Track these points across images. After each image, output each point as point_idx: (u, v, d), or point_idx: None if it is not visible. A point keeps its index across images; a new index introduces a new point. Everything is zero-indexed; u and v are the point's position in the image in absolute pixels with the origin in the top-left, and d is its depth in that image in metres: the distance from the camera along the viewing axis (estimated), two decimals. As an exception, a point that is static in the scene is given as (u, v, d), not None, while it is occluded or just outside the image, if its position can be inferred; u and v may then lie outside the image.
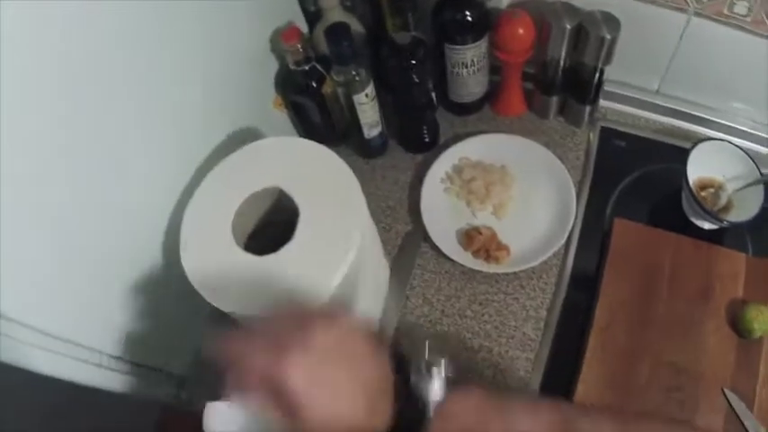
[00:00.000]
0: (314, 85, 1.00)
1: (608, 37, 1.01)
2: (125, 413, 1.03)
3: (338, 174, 0.82)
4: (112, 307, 0.81)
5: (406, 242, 1.08)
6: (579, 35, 1.04)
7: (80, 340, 0.75)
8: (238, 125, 0.96)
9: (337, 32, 0.94)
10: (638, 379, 0.99)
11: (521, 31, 1.05)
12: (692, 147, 1.08)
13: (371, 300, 0.96)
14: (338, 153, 1.00)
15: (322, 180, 0.81)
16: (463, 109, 1.17)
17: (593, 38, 1.02)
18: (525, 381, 1.00)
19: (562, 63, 1.08)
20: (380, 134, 1.09)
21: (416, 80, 1.02)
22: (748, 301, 1.04)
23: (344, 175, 0.82)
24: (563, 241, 1.05)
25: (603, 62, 1.06)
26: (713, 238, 1.12)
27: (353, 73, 0.98)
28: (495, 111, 1.19)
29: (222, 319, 0.78)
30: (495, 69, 1.14)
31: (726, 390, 1.00)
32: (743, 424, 0.99)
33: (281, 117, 1.09)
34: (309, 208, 0.78)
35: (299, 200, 0.79)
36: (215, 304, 0.75)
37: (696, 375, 1.01)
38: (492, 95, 1.18)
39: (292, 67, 0.98)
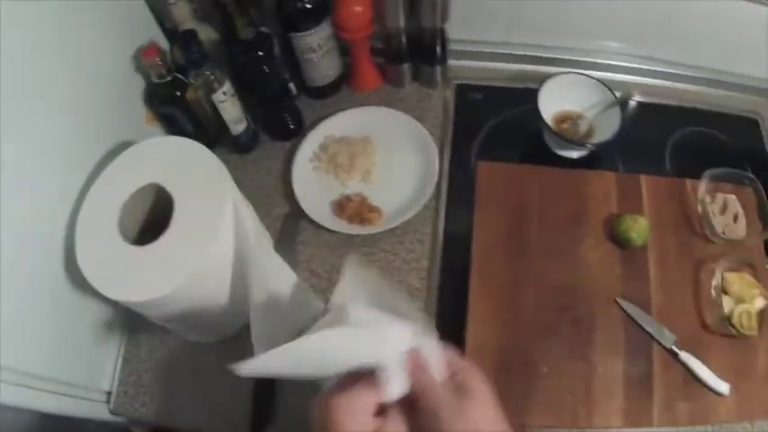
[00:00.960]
0: (178, 93, 1.04)
1: (439, -4, 1.05)
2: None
3: (206, 163, 0.89)
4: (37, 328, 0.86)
5: (285, 223, 1.11)
6: (413, 1, 1.10)
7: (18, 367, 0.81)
8: (116, 147, 0.97)
9: (186, 40, 0.99)
10: (525, 306, 1.04)
11: (358, 8, 1.10)
12: (541, 85, 1.14)
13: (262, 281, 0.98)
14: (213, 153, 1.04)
15: (193, 171, 0.88)
16: (322, 92, 1.22)
17: (426, 1, 1.08)
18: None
19: (403, 31, 1.14)
20: (247, 129, 1.13)
21: (267, 70, 1.07)
22: (622, 214, 1.09)
23: (211, 163, 0.89)
24: (430, 193, 1.10)
25: (441, 21, 1.12)
26: (585, 165, 1.18)
27: (208, 73, 1.02)
28: (352, 88, 1.24)
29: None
30: (345, 50, 1.19)
31: (619, 299, 1.05)
32: (644, 329, 1.03)
33: (156, 131, 1.12)
34: (183, 197, 0.85)
35: (173, 192, 0.85)
36: (113, 298, 0.80)
37: (585, 292, 1.05)
38: (347, 75, 1.23)
39: (156, 80, 1.02)
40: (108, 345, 1.03)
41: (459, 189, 1.14)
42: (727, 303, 1.06)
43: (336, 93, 1.24)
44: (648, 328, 1.04)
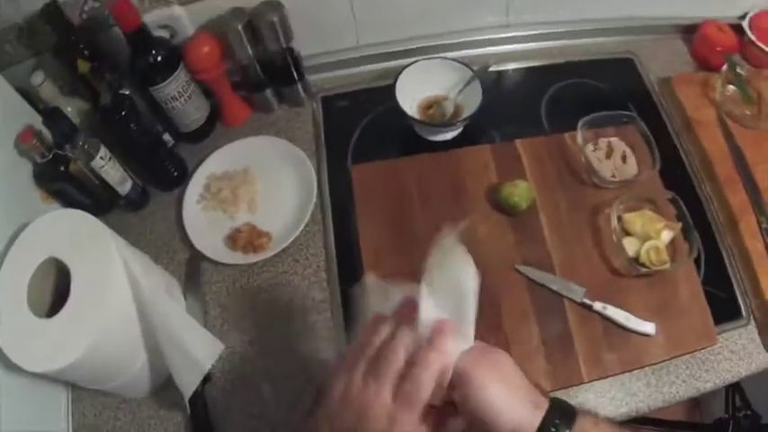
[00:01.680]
0: (62, 169, 1.02)
1: (275, 19, 1.05)
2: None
3: (91, 228, 0.90)
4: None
5: (188, 267, 1.07)
6: (254, 30, 1.07)
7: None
8: (20, 229, 0.94)
9: (52, 118, 0.98)
10: None
11: (205, 49, 1.07)
12: (395, 80, 1.10)
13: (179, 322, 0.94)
14: (111, 216, 1.12)
15: (81, 239, 0.88)
16: (197, 135, 1.18)
17: (265, 26, 1.05)
18: (330, 339, 0.98)
19: (254, 59, 1.11)
20: (134, 186, 1.09)
21: (134, 128, 1.03)
22: (503, 182, 1.03)
23: (95, 228, 0.89)
24: (312, 206, 1.06)
25: (286, 41, 1.09)
26: (464, 143, 1.13)
27: (82, 144, 1.00)
28: (225, 125, 1.21)
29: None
30: (208, 91, 1.16)
31: (518, 266, 0.99)
32: (550, 289, 0.98)
33: (55, 207, 1.08)
34: (77, 265, 0.85)
35: (68, 262, 0.85)
36: (31, 370, 0.80)
37: (482, 267, 0.95)
38: (217, 113, 1.20)
39: (40, 161, 1.00)
40: (55, 419, 0.98)
41: (342, 196, 1.10)
42: (631, 245, 1.01)
43: (212, 132, 1.20)
44: (554, 287, 0.99)
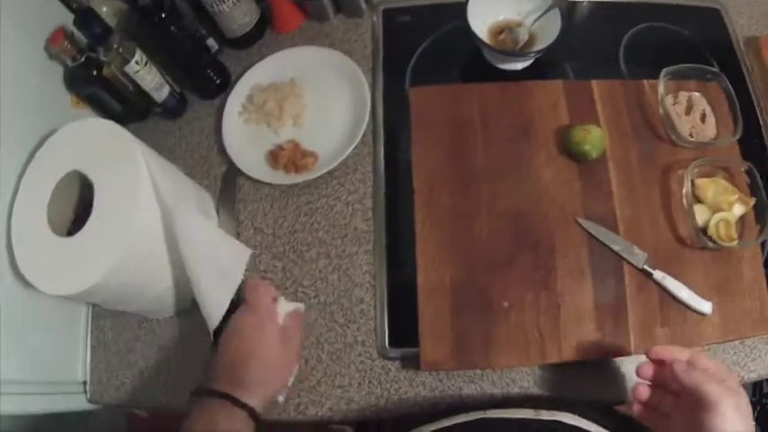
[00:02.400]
0: (94, 73, 0.91)
1: None
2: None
3: (117, 139, 0.79)
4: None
5: (223, 182, 0.96)
6: None
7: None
8: (49, 135, 0.86)
9: (84, 19, 0.88)
10: (477, 237, 0.87)
11: None
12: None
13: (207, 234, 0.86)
14: (146, 124, 1.02)
15: (106, 151, 0.78)
16: (244, 41, 1.05)
17: None
18: (372, 273, 0.88)
19: None
20: (171, 93, 0.99)
21: (174, 31, 0.92)
22: (574, 125, 0.89)
23: (122, 139, 0.79)
24: (364, 127, 0.94)
25: None
26: (533, 76, 0.98)
27: (116, 47, 0.90)
28: (276, 32, 1.07)
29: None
30: None
31: (580, 219, 0.87)
32: (611, 249, 0.86)
33: (86, 112, 0.99)
34: (102, 180, 0.76)
35: (92, 176, 0.77)
36: (50, 293, 0.74)
37: (541, 215, 0.88)
38: (267, 19, 1.06)
39: (71, 64, 0.90)
40: (74, 335, 0.93)
41: (396, 120, 0.97)
42: (701, 213, 0.89)
43: (260, 39, 1.07)
44: (616, 248, 0.87)
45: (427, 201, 0.87)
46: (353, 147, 0.92)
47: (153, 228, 0.77)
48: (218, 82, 1.01)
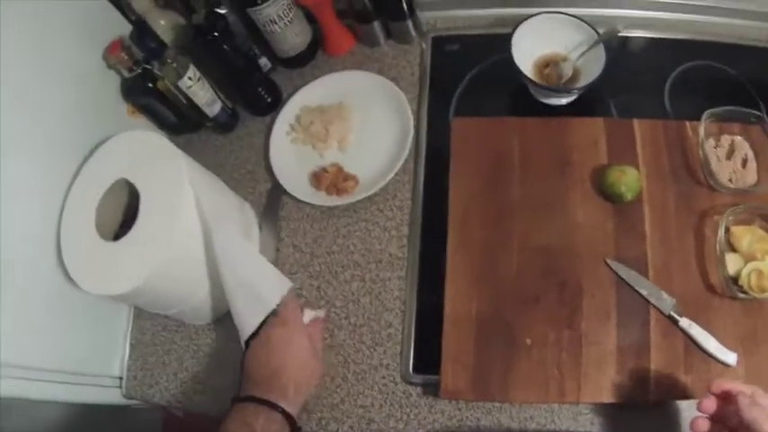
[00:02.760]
0: (150, 85, 0.96)
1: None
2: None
3: (164, 152, 0.83)
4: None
5: (268, 199, 1.00)
6: None
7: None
8: (104, 140, 0.90)
9: (139, 33, 0.92)
10: (507, 270, 0.88)
11: None
12: (513, 30, 0.94)
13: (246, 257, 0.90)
14: (198, 136, 1.05)
15: (154, 163, 0.82)
16: (296, 61, 1.08)
17: None
18: (402, 299, 0.90)
19: None
20: (223, 109, 1.02)
21: (227, 49, 0.95)
22: (611, 165, 0.88)
23: (169, 152, 0.83)
24: (405, 154, 0.96)
25: None
26: (576, 112, 0.97)
27: (170, 62, 0.93)
28: (327, 54, 1.09)
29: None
30: (311, 16, 1.04)
31: (609, 260, 0.87)
32: (639, 293, 0.86)
33: (141, 121, 1.04)
34: (147, 189, 0.80)
35: (139, 185, 0.80)
36: (95, 293, 0.78)
37: (572, 253, 0.88)
38: (319, 41, 1.08)
39: (127, 75, 0.95)
40: (115, 332, 0.98)
41: (438, 149, 0.97)
42: (734, 262, 0.87)
43: (311, 60, 1.09)
44: (644, 292, 0.87)
45: (460, 231, 0.89)
46: (394, 173, 0.94)
47: (193, 239, 0.80)
48: (269, 100, 1.04)
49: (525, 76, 0.92)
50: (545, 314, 0.84)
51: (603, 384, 0.81)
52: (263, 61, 1.04)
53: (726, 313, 0.84)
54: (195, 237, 0.81)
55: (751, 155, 0.93)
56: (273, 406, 0.72)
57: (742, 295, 0.83)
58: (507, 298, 0.85)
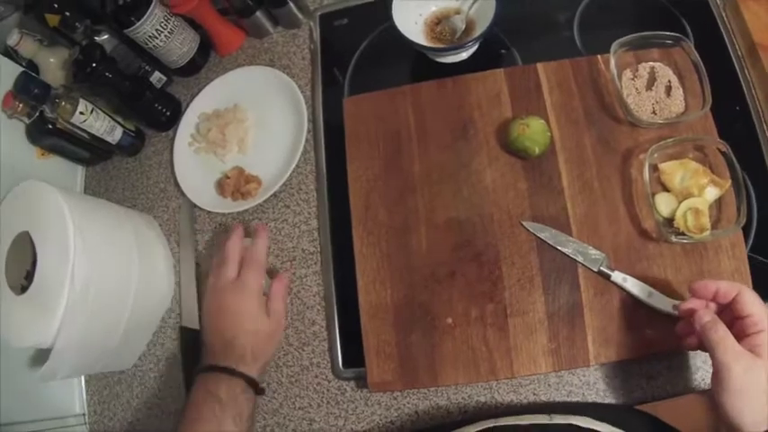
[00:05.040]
0: (50, 126, 0.87)
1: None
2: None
3: (49, 201, 0.75)
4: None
5: (180, 215, 0.90)
6: None
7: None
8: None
9: (22, 82, 0.85)
10: (417, 251, 0.77)
11: None
12: (393, -8, 0.80)
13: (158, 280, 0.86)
14: (112, 163, 0.98)
15: (42, 212, 0.75)
16: (188, 69, 0.97)
17: None
18: (321, 294, 0.80)
19: None
20: (125, 133, 0.93)
21: (109, 76, 0.86)
22: (514, 119, 0.75)
23: (52, 201, 0.75)
24: (302, 145, 0.85)
25: None
26: (480, 67, 0.83)
27: (58, 101, 0.85)
28: (219, 55, 0.98)
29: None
30: (192, 21, 0.93)
31: (525, 222, 0.75)
32: (563, 252, 0.73)
33: (54, 161, 0.95)
34: (41, 240, 0.74)
35: (34, 236, 0.74)
36: (13, 345, 0.73)
37: (484, 221, 0.76)
38: (209, 43, 0.97)
39: (27, 121, 0.88)
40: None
41: (337, 132, 0.85)
42: (667, 202, 0.75)
43: (205, 64, 0.98)
44: (568, 251, 0.75)
45: (364, 218, 0.78)
46: (293, 167, 0.84)
47: (86, 285, 0.73)
48: (168, 114, 0.94)
49: (409, 40, 0.78)
50: (463, 290, 0.73)
51: (537, 355, 0.70)
52: (157, 76, 0.95)
53: (665, 260, 0.71)
54: (87, 282, 0.72)
55: (675, 81, 0.78)
56: (233, 372, 0.69)
57: (678, 238, 0.70)
58: (421, 279, 0.74)
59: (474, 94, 0.79)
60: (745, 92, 0.79)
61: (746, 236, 0.73)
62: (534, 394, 0.72)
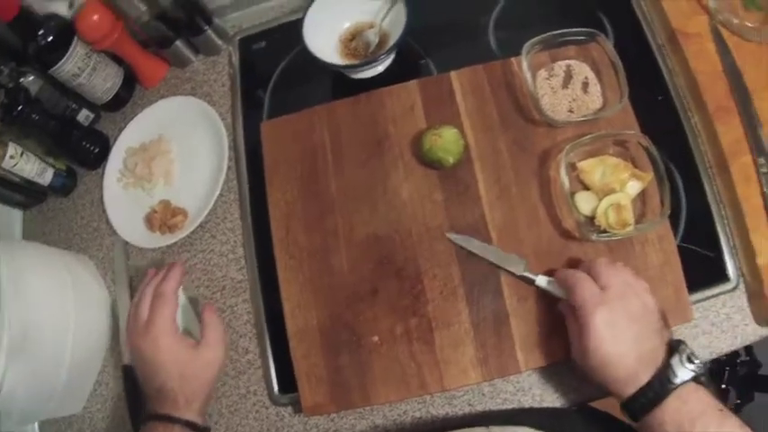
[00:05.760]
0: None
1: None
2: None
3: None
4: None
5: (114, 253, 0.87)
6: None
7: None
8: None
9: None
10: (339, 269, 0.74)
11: (95, 17, 0.82)
12: (305, 12, 0.79)
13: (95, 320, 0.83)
14: (46, 205, 0.95)
15: None
16: (114, 104, 0.95)
17: None
18: (252, 322, 0.78)
19: (152, 14, 0.84)
20: (57, 174, 0.91)
21: (36, 118, 0.84)
22: (428, 129, 0.73)
23: None
24: (223, 175, 0.82)
25: None
26: (397, 79, 0.80)
27: None
28: (144, 87, 0.96)
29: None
30: (115, 55, 0.91)
31: (449, 234, 0.72)
32: (485, 260, 0.70)
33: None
34: None
35: None
36: None
37: (403, 235, 0.74)
38: (133, 76, 0.95)
39: None
40: None
41: (258, 158, 0.82)
42: (587, 201, 0.73)
43: (131, 97, 0.96)
44: (491, 258, 0.71)
45: (285, 242, 0.75)
46: (216, 196, 0.81)
47: (26, 326, 0.70)
48: (96, 151, 0.91)
49: (321, 61, 0.76)
50: (387, 307, 0.71)
51: (467, 366, 0.68)
52: (84, 114, 0.92)
53: (591, 257, 0.67)
54: (25, 325, 0.70)
55: (592, 77, 0.76)
56: (170, 418, 0.64)
57: (600, 236, 0.67)
58: (345, 299, 0.72)
59: (388, 108, 0.77)
60: (667, 80, 0.77)
61: (676, 227, 0.71)
62: (470, 405, 0.70)
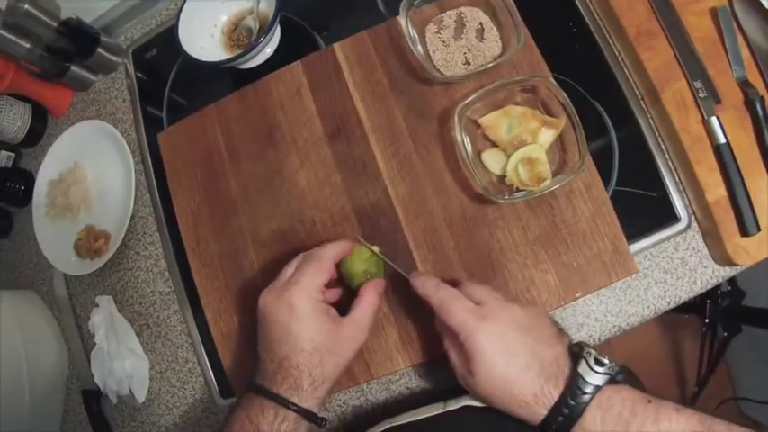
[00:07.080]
0: None
1: (26, 6, 0.74)
2: None
3: None
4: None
5: (54, 284, 0.85)
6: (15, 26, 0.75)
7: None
8: None
9: None
10: (251, 271, 0.70)
11: None
12: (179, 11, 0.73)
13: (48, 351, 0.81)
14: None
15: None
16: (30, 140, 0.90)
17: (21, 17, 0.74)
18: (186, 332, 0.75)
19: (36, 50, 0.79)
20: None
21: None
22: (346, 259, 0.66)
23: None
24: (132, 191, 0.78)
25: (54, 18, 0.77)
26: (287, 62, 0.73)
27: None
28: (55, 117, 0.91)
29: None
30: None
31: (360, 237, 0.64)
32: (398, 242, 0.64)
33: None
34: None
35: None
36: None
37: (307, 226, 0.69)
38: (42, 108, 0.90)
39: None
40: None
41: (163, 170, 0.77)
42: (495, 159, 0.67)
43: (45, 129, 0.92)
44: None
45: (197, 251, 0.71)
46: (131, 212, 0.77)
47: None
48: (23, 189, 0.88)
49: (198, 61, 0.70)
50: (304, 303, 0.66)
51: (391, 353, 0.63)
52: (4, 155, 0.89)
53: (508, 223, 0.62)
54: None
55: (487, 20, 0.68)
56: (284, 403, 0.52)
57: (512, 197, 0.60)
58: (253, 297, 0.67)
59: (275, 95, 0.71)
60: (579, 7, 0.68)
61: (609, 170, 0.63)
62: (407, 388, 0.66)
